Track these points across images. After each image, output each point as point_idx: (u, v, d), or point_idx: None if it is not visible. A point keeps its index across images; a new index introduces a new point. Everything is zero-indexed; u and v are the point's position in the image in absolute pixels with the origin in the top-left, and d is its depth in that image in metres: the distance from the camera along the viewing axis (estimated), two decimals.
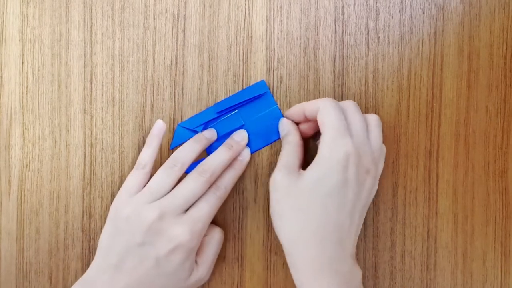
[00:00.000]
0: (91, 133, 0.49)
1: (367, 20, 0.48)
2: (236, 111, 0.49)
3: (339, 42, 0.48)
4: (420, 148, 0.48)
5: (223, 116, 0.49)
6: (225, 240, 0.49)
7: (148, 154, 0.47)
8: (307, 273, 0.42)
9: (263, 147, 0.49)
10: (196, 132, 0.48)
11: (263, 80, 0.48)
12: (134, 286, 0.44)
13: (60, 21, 0.49)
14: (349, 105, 0.45)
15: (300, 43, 0.48)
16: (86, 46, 0.49)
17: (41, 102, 0.49)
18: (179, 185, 0.45)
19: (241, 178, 0.49)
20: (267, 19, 0.48)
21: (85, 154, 0.49)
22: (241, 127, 0.49)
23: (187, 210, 0.45)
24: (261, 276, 0.49)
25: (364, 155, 0.43)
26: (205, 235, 0.46)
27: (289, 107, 0.48)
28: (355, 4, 0.48)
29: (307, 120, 0.46)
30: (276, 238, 0.47)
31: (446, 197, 0.49)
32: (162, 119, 0.48)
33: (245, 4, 0.48)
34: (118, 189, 0.47)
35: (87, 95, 0.49)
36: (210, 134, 0.48)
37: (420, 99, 0.48)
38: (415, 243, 0.49)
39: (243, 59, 0.48)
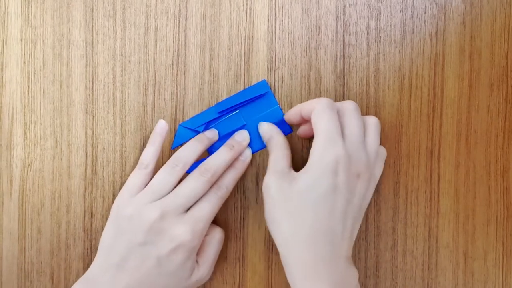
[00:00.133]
0: (93, 133, 0.49)
1: (368, 19, 0.48)
2: (238, 111, 0.49)
3: (341, 41, 0.48)
4: (422, 148, 0.48)
5: (224, 116, 0.49)
6: (227, 239, 0.49)
7: (150, 154, 0.47)
8: (299, 275, 0.42)
9: (264, 147, 0.48)
10: (198, 132, 0.48)
11: (264, 80, 0.48)
12: (136, 285, 0.44)
13: (61, 21, 0.49)
14: (348, 106, 0.44)
15: (302, 43, 0.48)
16: (88, 46, 0.49)
17: (42, 102, 0.49)
18: (180, 184, 0.45)
19: (243, 178, 0.49)
20: (268, 19, 0.48)
21: (86, 154, 0.49)
22: (242, 127, 0.48)
23: (188, 209, 0.45)
24: (262, 276, 0.49)
25: (357, 159, 0.42)
26: (206, 235, 0.47)
27: (291, 107, 0.48)
28: (356, 3, 0.48)
29: (305, 120, 0.46)
30: None
31: (448, 197, 0.49)
32: (164, 119, 0.48)
33: (247, 4, 0.48)
34: (120, 189, 0.47)
35: (89, 95, 0.49)
36: (211, 134, 0.48)
37: (422, 99, 0.48)
38: (416, 242, 0.49)
39: (244, 59, 0.48)
